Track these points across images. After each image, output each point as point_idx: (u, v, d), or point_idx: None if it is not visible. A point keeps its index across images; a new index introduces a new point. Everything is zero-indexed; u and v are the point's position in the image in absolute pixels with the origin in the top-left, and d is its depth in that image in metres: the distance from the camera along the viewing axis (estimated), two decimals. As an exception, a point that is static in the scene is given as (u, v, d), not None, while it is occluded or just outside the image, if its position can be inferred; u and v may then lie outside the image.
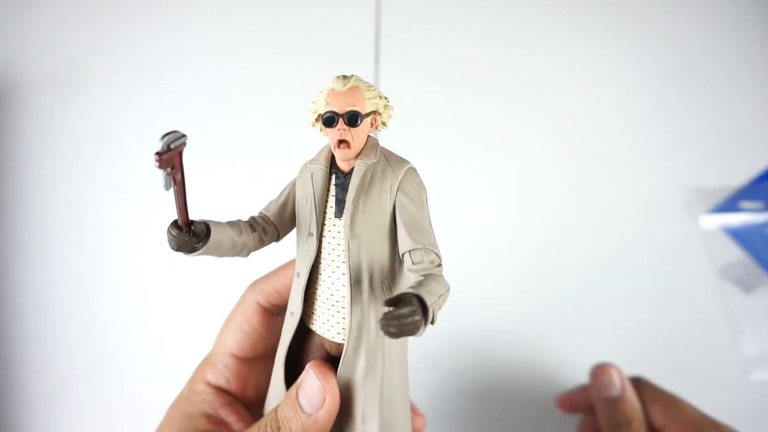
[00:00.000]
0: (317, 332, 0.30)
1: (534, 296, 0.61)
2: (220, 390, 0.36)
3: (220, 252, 0.29)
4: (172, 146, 0.25)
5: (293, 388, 0.30)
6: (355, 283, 0.28)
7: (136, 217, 0.65)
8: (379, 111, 0.29)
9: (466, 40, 0.75)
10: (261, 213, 0.32)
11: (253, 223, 0.31)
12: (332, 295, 0.29)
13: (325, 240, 0.29)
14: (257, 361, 0.37)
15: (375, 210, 0.28)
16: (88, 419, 0.56)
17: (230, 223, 0.30)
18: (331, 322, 0.29)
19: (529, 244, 0.65)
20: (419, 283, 0.25)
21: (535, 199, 0.67)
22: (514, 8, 0.77)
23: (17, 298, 0.61)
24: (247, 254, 0.31)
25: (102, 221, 0.65)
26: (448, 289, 0.26)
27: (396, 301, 0.23)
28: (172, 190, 0.26)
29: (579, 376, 0.54)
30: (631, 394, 0.43)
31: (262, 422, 0.31)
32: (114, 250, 0.64)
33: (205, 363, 0.37)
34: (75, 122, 0.70)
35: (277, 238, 0.32)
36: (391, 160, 0.29)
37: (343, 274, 0.28)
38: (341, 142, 0.28)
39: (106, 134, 0.69)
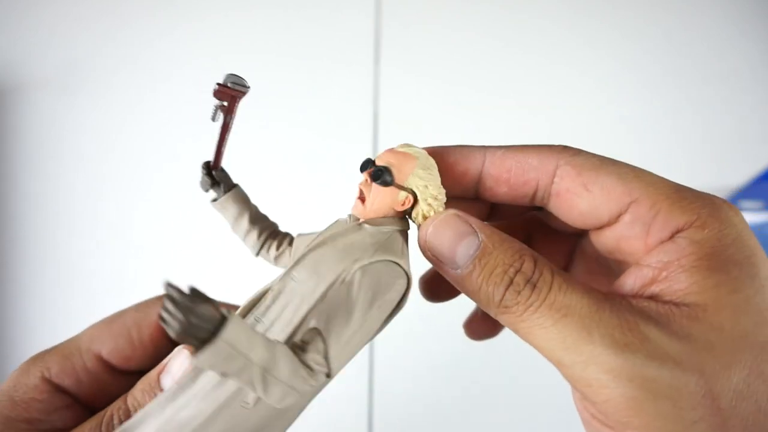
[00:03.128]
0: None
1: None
2: (61, 390, 0.28)
3: (231, 215, 0.29)
4: (230, 85, 0.26)
5: (154, 371, 0.26)
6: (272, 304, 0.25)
7: (136, 217, 0.65)
8: (419, 198, 0.25)
9: (466, 41, 0.75)
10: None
11: (273, 226, 0.30)
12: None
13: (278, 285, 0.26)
14: (121, 375, 0.29)
15: (318, 271, 0.24)
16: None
17: (256, 210, 0.30)
18: None
19: (529, 244, 0.65)
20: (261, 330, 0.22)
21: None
22: (515, 8, 0.77)
23: (17, 297, 0.61)
24: (254, 248, 0.29)
25: (102, 221, 0.65)
26: (289, 384, 0.21)
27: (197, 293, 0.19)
28: (218, 125, 0.27)
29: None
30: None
31: (104, 413, 0.25)
32: (114, 249, 0.64)
33: (50, 353, 0.29)
34: (75, 122, 0.70)
35: (277, 257, 0.29)
36: (386, 246, 0.24)
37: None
38: (360, 193, 0.26)
39: (106, 134, 0.69)
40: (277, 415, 0.24)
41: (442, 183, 0.26)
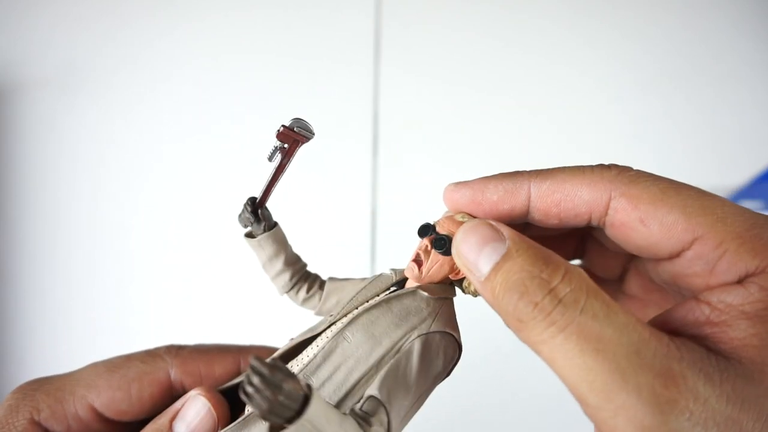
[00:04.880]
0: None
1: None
2: None
3: (266, 254, 0.28)
4: (295, 129, 0.26)
5: (164, 416, 0.24)
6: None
7: (136, 216, 0.65)
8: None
9: (467, 40, 0.75)
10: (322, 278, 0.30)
11: (309, 271, 0.29)
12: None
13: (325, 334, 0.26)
14: (112, 423, 0.28)
15: (373, 335, 0.24)
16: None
17: (293, 253, 0.29)
18: None
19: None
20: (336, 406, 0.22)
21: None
22: (515, 8, 0.77)
23: (17, 297, 0.61)
24: (283, 288, 0.29)
25: (102, 220, 0.65)
26: None
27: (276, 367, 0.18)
28: (273, 166, 0.27)
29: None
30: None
31: None
32: (114, 249, 0.64)
33: (42, 392, 0.27)
34: (75, 122, 0.70)
35: (308, 300, 0.29)
36: (442, 315, 0.25)
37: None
38: (416, 258, 0.25)
39: (106, 134, 0.69)
40: None
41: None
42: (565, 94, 0.73)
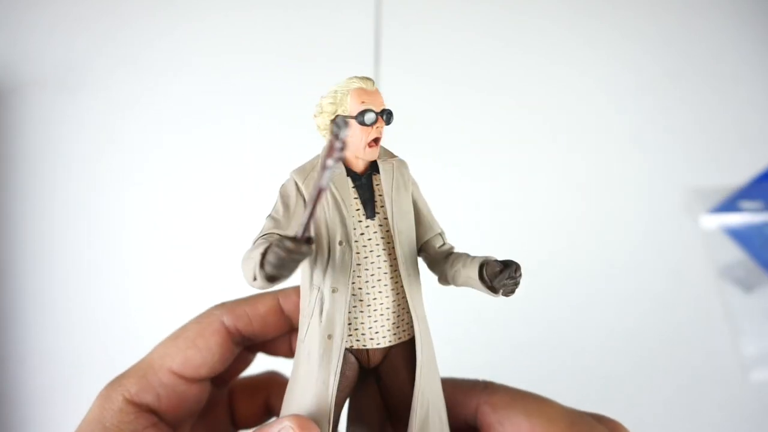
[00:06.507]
0: (357, 347, 0.28)
1: (532, 296, 0.61)
2: (144, 409, 0.31)
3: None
4: (338, 132, 0.21)
5: None
6: (407, 276, 0.28)
7: (136, 216, 0.65)
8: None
9: (467, 41, 0.75)
10: (273, 233, 0.27)
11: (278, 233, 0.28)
12: (375, 298, 0.28)
13: (359, 244, 0.28)
14: (195, 384, 0.32)
15: (405, 205, 0.29)
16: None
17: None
18: (375, 329, 0.28)
19: (528, 244, 0.64)
20: (473, 256, 0.29)
21: (534, 199, 0.67)
22: (515, 9, 0.77)
23: (18, 297, 0.61)
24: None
25: (101, 220, 0.65)
26: None
27: (504, 266, 0.27)
28: (314, 194, 0.22)
29: (574, 378, 0.54)
30: None
31: None
32: (114, 249, 0.64)
33: (127, 376, 0.31)
34: (75, 122, 0.70)
35: None
36: (395, 156, 0.30)
37: (385, 273, 0.28)
38: (375, 140, 0.28)
39: (106, 134, 0.69)
40: None
41: None
42: (565, 94, 0.73)
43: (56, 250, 0.63)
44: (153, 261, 0.63)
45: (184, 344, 0.32)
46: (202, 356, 0.32)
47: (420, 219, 0.30)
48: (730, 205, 0.65)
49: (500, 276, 0.26)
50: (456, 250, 0.30)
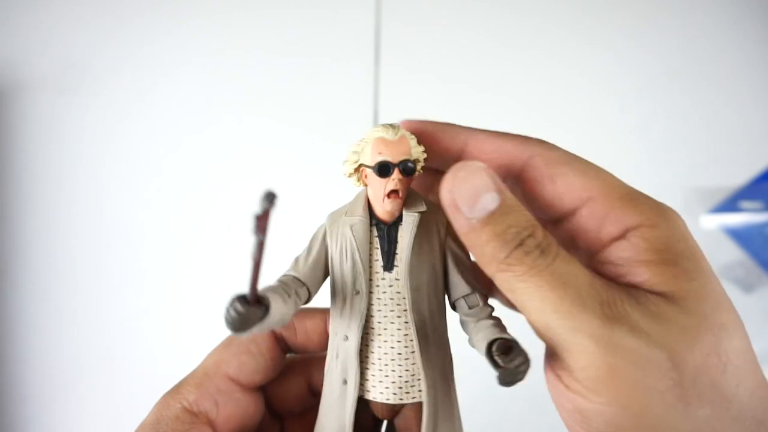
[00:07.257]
0: (367, 397, 0.28)
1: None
2: (202, 419, 0.30)
3: (265, 328, 0.25)
4: (266, 207, 0.21)
5: None
6: (422, 337, 0.27)
7: (136, 216, 0.65)
8: (419, 160, 0.28)
9: (467, 40, 0.75)
10: (289, 275, 0.29)
11: (287, 289, 0.28)
12: (386, 353, 0.28)
13: (374, 296, 0.28)
14: (250, 393, 0.32)
15: (429, 259, 0.28)
16: (92, 418, 0.56)
17: (274, 290, 0.27)
18: (384, 383, 0.28)
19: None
20: (500, 329, 0.27)
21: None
22: (515, 8, 0.77)
23: (18, 297, 0.61)
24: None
25: (102, 221, 0.65)
26: None
27: (505, 351, 0.24)
28: (251, 256, 0.22)
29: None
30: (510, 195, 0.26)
31: None
32: (114, 248, 0.64)
33: (184, 384, 0.31)
34: (75, 122, 0.70)
35: (308, 301, 0.29)
36: (430, 204, 0.28)
37: (398, 329, 0.28)
38: (393, 192, 0.27)
39: (106, 134, 0.69)
40: None
41: (427, 155, 0.29)
42: (566, 94, 0.73)
43: (56, 250, 0.64)
44: (154, 261, 0.63)
45: (238, 349, 0.32)
46: (256, 361, 0.32)
47: (448, 277, 0.28)
48: (730, 205, 0.65)
49: (500, 371, 0.24)
50: (492, 314, 0.28)
